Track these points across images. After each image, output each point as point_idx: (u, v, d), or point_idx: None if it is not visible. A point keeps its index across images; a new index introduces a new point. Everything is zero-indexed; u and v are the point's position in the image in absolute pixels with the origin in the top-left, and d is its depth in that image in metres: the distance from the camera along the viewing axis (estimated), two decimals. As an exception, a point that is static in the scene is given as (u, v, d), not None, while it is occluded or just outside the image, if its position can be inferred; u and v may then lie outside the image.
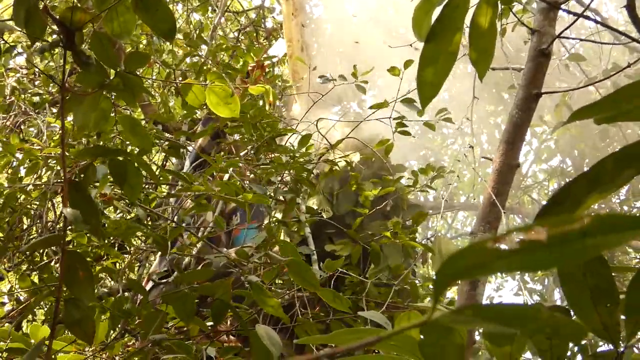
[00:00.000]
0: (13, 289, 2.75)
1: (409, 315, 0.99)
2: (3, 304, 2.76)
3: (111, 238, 2.28)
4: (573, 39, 5.91)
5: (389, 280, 2.58)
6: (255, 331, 1.03)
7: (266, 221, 2.19)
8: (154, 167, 3.44)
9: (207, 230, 2.42)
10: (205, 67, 3.33)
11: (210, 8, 5.05)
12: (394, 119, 2.43)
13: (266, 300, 1.32)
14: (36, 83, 3.75)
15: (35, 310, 2.86)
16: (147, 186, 2.32)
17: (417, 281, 2.87)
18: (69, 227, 1.82)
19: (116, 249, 2.63)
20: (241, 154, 2.81)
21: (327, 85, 2.69)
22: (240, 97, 2.51)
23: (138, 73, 1.17)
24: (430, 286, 2.79)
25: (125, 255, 2.87)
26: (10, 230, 2.69)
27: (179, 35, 3.94)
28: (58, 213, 3.18)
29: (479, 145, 8.19)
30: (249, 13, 5.71)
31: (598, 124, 0.51)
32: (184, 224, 2.16)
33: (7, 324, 2.24)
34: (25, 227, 3.07)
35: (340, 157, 2.57)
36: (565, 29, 1.53)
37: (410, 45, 2.62)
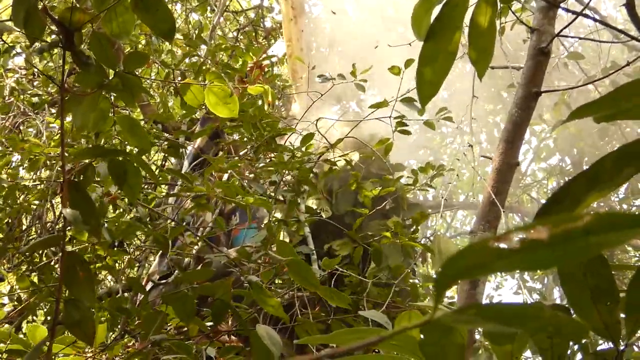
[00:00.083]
0: (13, 290, 2.74)
1: (409, 315, 0.99)
2: (3, 305, 2.76)
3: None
4: (572, 37, 5.91)
5: (388, 280, 2.57)
6: (255, 331, 1.03)
7: (266, 220, 2.19)
8: (153, 167, 3.44)
9: (206, 230, 2.42)
10: (204, 67, 3.32)
11: (209, 8, 5.05)
12: (394, 118, 2.43)
13: (266, 300, 1.32)
14: (35, 83, 3.74)
15: (35, 310, 2.85)
16: (146, 186, 2.31)
17: (417, 281, 2.87)
18: (69, 227, 1.82)
19: (115, 248, 2.62)
20: (240, 153, 2.80)
21: (326, 85, 2.68)
22: (239, 97, 2.51)
23: (137, 73, 1.17)
24: (431, 286, 2.78)
25: (125, 256, 2.87)
26: (10, 231, 2.68)
27: (178, 35, 3.94)
28: (57, 213, 3.18)
29: (478, 144, 8.19)
30: (247, 13, 5.71)
31: (597, 122, 0.51)
32: (184, 224, 2.16)
33: (6, 325, 2.24)
34: (24, 227, 3.07)
35: (339, 157, 2.56)
36: (565, 27, 1.53)
37: (409, 44, 2.61)
